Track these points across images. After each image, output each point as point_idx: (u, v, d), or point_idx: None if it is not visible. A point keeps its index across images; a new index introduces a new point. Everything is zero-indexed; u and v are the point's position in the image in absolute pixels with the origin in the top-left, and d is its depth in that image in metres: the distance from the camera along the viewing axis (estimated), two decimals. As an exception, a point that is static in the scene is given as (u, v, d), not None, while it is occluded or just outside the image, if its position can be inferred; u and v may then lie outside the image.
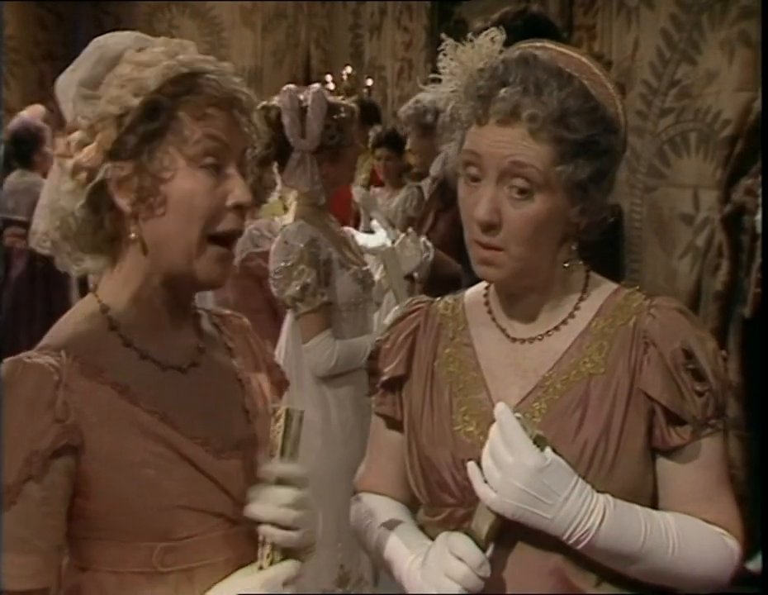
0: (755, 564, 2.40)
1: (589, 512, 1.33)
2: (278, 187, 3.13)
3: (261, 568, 1.30)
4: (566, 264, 1.48)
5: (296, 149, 3.02)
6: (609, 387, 1.42)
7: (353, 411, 3.07)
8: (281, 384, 1.57)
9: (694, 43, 4.45)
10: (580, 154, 1.39)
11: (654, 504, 1.44)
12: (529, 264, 1.43)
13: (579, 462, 1.37)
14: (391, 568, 1.50)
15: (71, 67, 1.37)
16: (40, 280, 5.55)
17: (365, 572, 3.05)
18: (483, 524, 1.36)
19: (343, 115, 3.09)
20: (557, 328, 1.48)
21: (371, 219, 4.89)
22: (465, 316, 1.56)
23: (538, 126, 1.37)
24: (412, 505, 1.59)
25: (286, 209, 3.45)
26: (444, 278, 3.49)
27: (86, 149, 1.30)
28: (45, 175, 5.42)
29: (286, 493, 1.29)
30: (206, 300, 3.06)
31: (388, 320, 3.04)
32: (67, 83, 1.36)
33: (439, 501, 1.49)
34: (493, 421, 1.37)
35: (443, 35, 1.47)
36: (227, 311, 1.56)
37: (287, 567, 1.27)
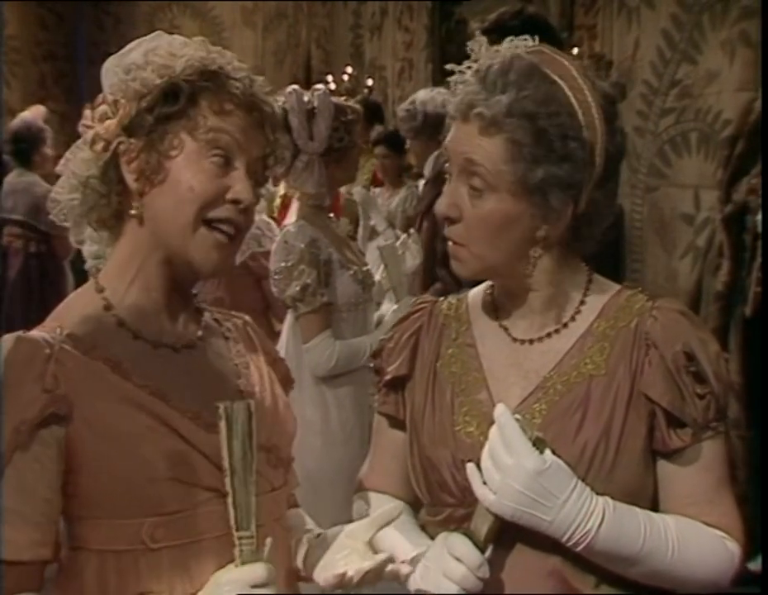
0: (755, 564, 2.40)
1: (588, 515, 1.33)
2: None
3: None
4: (568, 266, 1.48)
5: (304, 152, 3.02)
6: (609, 389, 1.42)
7: (352, 411, 3.07)
8: (286, 380, 1.57)
9: (694, 43, 4.46)
10: (534, 157, 1.38)
11: (655, 506, 1.43)
12: (491, 262, 1.44)
13: (578, 463, 1.37)
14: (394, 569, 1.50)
15: (120, 52, 1.44)
16: (36, 279, 5.56)
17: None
18: (482, 525, 1.36)
19: (350, 117, 3.09)
20: (557, 330, 1.48)
21: (370, 220, 4.89)
22: (468, 316, 1.56)
23: (486, 124, 1.38)
24: (415, 504, 1.59)
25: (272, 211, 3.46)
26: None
27: (107, 123, 1.36)
28: (44, 175, 5.43)
29: None
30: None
31: (388, 319, 3.07)
32: (110, 65, 1.43)
33: (440, 501, 1.48)
34: (493, 421, 1.37)
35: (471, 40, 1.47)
36: (231, 311, 1.58)
37: (255, 569, 1.25)
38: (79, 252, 1.51)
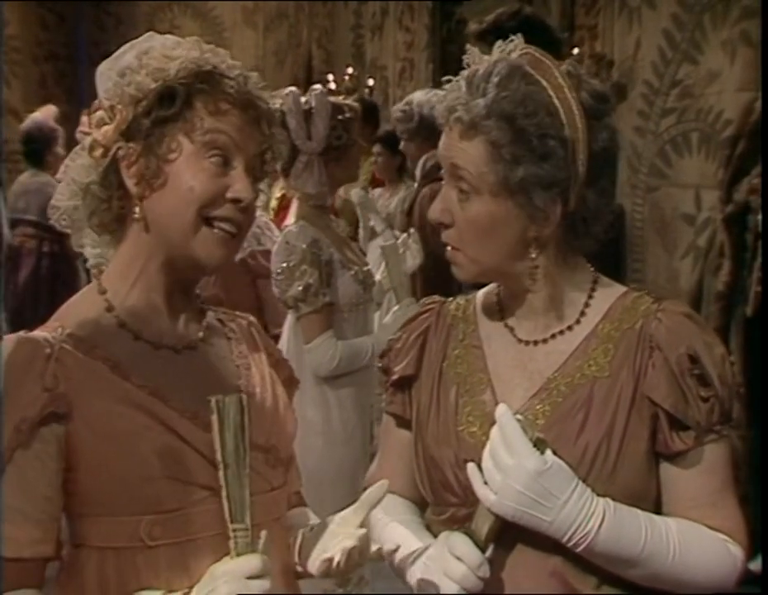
0: (755, 565, 2.40)
1: (588, 516, 1.33)
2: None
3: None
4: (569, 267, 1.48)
5: (303, 152, 3.02)
6: (612, 391, 1.41)
7: (353, 412, 3.07)
8: (290, 381, 1.58)
9: (695, 43, 4.46)
10: (513, 157, 1.38)
11: (658, 509, 1.43)
12: (488, 265, 1.45)
13: (580, 464, 1.37)
14: (393, 558, 1.50)
15: (114, 55, 1.44)
16: (48, 279, 5.58)
17: (366, 572, 3.04)
18: (483, 525, 1.36)
19: (347, 115, 3.09)
20: (562, 331, 1.48)
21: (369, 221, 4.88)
22: (476, 317, 1.57)
23: (465, 127, 1.40)
24: (421, 503, 1.59)
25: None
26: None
27: (104, 128, 1.37)
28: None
29: None
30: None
31: (388, 319, 3.07)
32: (104, 68, 1.43)
33: (443, 500, 1.49)
34: (495, 422, 1.37)
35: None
36: (236, 312, 1.58)
37: (250, 560, 1.25)
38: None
